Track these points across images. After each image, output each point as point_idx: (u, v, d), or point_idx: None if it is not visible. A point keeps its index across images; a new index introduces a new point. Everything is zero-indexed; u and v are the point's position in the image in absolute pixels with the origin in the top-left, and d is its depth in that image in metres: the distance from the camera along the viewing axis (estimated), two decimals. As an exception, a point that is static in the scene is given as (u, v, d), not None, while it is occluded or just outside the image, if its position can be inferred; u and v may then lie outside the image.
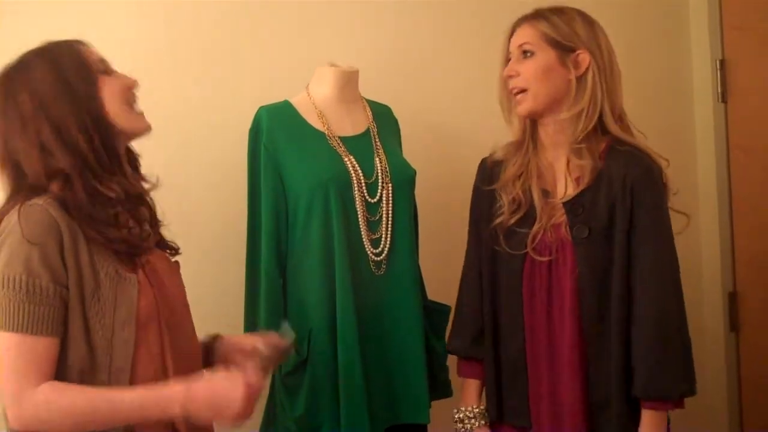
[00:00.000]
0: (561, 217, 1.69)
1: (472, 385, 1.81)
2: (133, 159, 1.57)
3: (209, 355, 1.61)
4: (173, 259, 1.57)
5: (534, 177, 1.73)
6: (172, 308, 1.47)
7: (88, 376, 1.34)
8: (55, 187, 1.37)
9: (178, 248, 1.59)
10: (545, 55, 1.68)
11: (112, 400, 1.31)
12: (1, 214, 1.38)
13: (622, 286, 1.63)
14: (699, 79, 2.70)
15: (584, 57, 1.67)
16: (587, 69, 1.67)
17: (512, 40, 1.74)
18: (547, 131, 1.74)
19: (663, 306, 1.62)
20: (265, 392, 1.96)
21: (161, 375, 1.40)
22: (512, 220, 1.72)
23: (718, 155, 2.65)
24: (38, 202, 1.34)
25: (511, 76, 1.72)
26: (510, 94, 1.75)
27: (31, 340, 1.30)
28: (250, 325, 1.92)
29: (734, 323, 2.65)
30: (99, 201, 1.39)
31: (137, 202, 1.49)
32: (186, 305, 1.55)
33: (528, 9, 1.77)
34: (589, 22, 1.72)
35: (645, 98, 2.55)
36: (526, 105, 1.70)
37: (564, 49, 1.68)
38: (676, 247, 1.70)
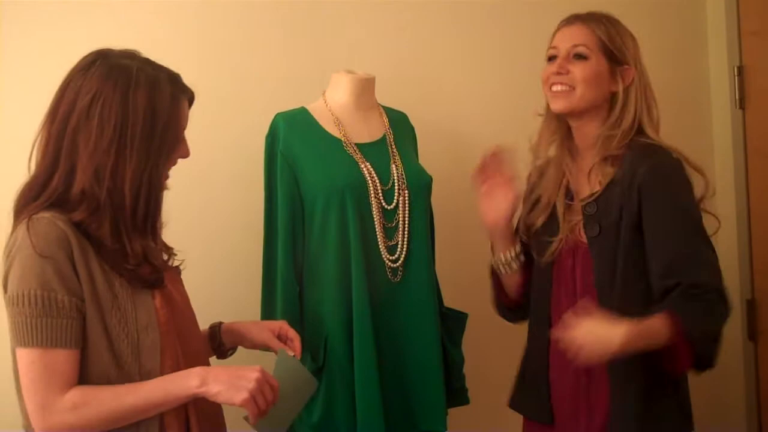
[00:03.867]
0: (579, 219, 1.70)
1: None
2: None
3: (218, 343, 1.68)
4: (174, 264, 1.57)
5: (563, 186, 1.75)
6: (182, 317, 1.48)
7: (115, 384, 1.35)
8: (80, 212, 1.34)
9: (174, 251, 1.57)
10: (598, 62, 1.69)
11: (135, 389, 1.33)
12: (13, 231, 1.37)
13: (625, 281, 1.61)
14: (717, 86, 2.68)
15: (630, 72, 1.69)
16: (631, 84, 1.68)
17: (561, 36, 1.72)
18: (584, 139, 1.74)
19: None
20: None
21: None
22: (539, 223, 1.77)
23: (736, 161, 2.63)
24: (45, 215, 1.33)
25: (560, 73, 1.69)
26: (547, 89, 1.73)
27: (52, 353, 1.30)
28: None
29: (752, 332, 2.62)
30: (120, 249, 1.37)
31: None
32: (191, 308, 1.56)
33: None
34: (633, 37, 1.73)
35: (663, 105, 2.50)
36: (566, 103, 1.69)
37: (615, 60, 1.69)
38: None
